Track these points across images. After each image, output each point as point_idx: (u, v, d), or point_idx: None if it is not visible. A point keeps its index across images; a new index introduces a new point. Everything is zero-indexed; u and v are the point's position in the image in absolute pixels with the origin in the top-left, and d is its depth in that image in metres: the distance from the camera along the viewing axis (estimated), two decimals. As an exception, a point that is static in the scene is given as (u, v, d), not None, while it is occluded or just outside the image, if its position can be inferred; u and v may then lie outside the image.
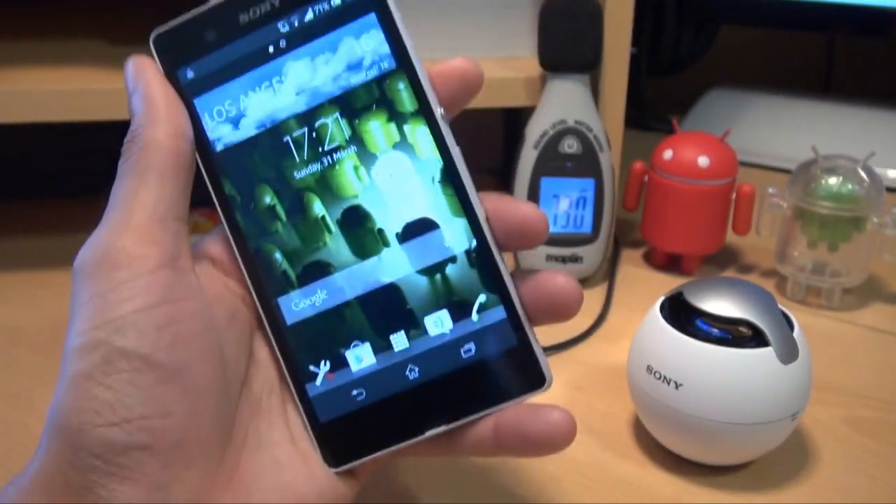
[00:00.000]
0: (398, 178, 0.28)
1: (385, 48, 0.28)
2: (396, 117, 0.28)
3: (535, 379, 0.28)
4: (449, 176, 0.28)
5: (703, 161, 0.52)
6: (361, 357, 0.29)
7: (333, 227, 0.29)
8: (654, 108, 0.81)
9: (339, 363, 0.29)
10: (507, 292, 0.28)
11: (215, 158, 0.30)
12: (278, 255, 0.29)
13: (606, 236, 0.53)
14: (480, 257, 0.28)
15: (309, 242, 0.29)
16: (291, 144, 0.29)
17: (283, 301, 0.30)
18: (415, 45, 0.28)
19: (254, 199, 0.29)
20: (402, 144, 0.28)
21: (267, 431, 0.29)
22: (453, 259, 0.28)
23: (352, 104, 0.28)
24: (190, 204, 0.29)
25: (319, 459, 0.29)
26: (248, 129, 0.29)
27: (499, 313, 0.28)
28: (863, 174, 0.50)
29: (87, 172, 0.66)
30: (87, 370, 0.25)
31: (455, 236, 0.28)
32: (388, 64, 0.28)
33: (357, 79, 0.28)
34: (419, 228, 0.28)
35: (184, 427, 0.25)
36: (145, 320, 0.25)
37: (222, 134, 0.29)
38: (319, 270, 0.29)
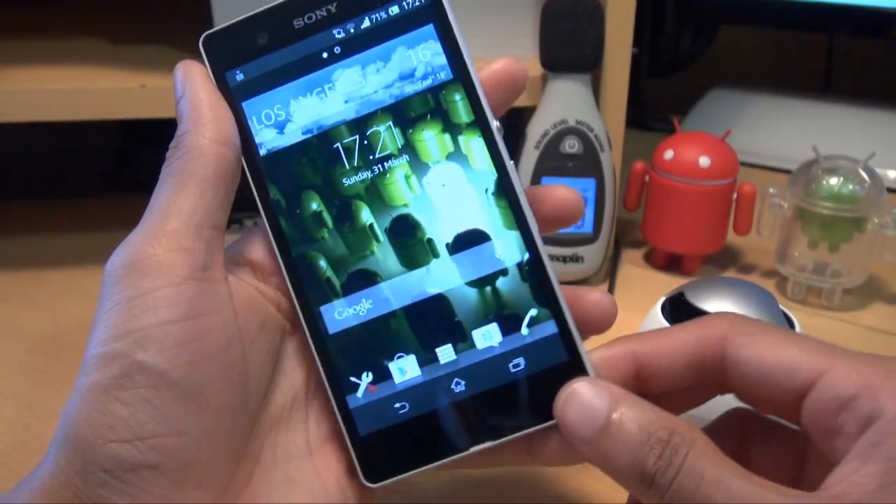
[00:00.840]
0: (451, 188, 0.28)
1: (442, 59, 0.28)
2: (451, 128, 0.28)
3: None
4: (503, 189, 0.28)
5: (703, 161, 0.52)
6: (406, 369, 0.28)
7: (382, 236, 0.29)
8: (654, 108, 0.81)
9: (383, 375, 0.29)
10: (558, 307, 0.28)
11: (261, 162, 0.29)
12: (323, 263, 0.29)
13: (607, 236, 0.53)
14: (532, 271, 0.28)
15: (355, 251, 0.29)
16: (342, 151, 0.29)
17: (325, 310, 0.29)
18: (471, 55, 0.28)
19: (299, 205, 0.29)
20: (457, 155, 0.28)
21: (283, 446, 0.29)
22: (504, 272, 0.28)
23: (406, 113, 0.28)
24: None
25: (358, 473, 0.28)
26: (296, 135, 0.29)
27: (550, 328, 0.28)
28: (864, 174, 0.50)
29: (87, 172, 0.66)
30: (105, 382, 0.24)
31: (507, 249, 0.28)
32: (444, 74, 0.28)
33: (412, 88, 0.28)
34: (470, 240, 0.28)
35: (197, 447, 0.25)
36: (167, 334, 0.25)
37: (270, 138, 0.29)
38: (365, 279, 0.29)
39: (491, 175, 0.28)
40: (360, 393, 0.29)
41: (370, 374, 0.29)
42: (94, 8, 0.68)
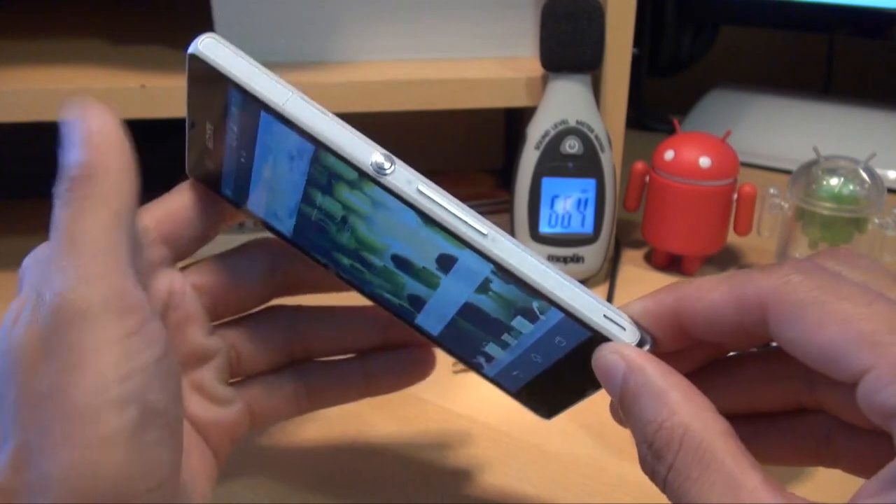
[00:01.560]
0: (398, 231, 0.28)
1: (294, 136, 0.27)
2: (353, 185, 0.27)
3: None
4: (424, 218, 0.27)
5: (704, 161, 0.52)
6: (495, 352, 0.30)
7: (397, 271, 0.29)
8: (654, 108, 0.81)
9: (487, 356, 0.31)
10: (550, 298, 0.27)
11: (295, 243, 0.31)
12: (388, 295, 0.31)
13: (607, 237, 0.53)
14: (505, 274, 0.27)
15: (395, 283, 0.30)
16: (321, 222, 0.29)
17: (419, 322, 0.31)
18: (320, 117, 0.27)
19: (340, 262, 0.31)
20: (377, 204, 0.27)
21: None
22: (488, 280, 0.28)
23: (320, 184, 0.28)
24: None
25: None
26: (288, 221, 0.30)
27: (556, 314, 0.27)
28: (864, 175, 0.50)
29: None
30: (129, 428, 0.22)
31: (474, 263, 0.27)
32: (308, 146, 0.27)
33: (304, 165, 0.28)
34: (447, 262, 0.28)
35: (176, 477, 0.24)
36: (161, 371, 0.24)
37: (282, 226, 0.31)
38: (418, 301, 0.30)
39: (408, 211, 0.27)
40: (485, 368, 0.32)
41: (481, 356, 0.31)
42: (94, 8, 0.67)
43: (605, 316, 0.27)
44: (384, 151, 0.27)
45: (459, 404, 0.43)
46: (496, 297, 0.28)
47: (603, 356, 0.26)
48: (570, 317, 0.27)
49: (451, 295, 0.29)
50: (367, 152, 0.27)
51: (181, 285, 0.31)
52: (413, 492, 0.37)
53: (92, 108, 0.26)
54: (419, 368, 0.35)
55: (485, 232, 0.27)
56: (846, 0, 0.70)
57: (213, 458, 0.31)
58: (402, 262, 0.29)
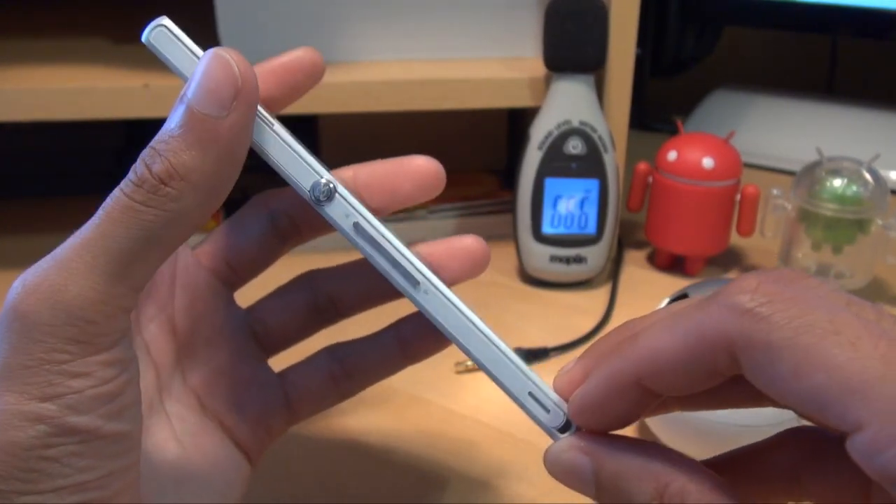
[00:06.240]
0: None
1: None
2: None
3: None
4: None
5: (707, 162, 0.52)
6: None
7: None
8: (657, 109, 0.81)
9: None
10: (477, 364, 0.26)
11: None
12: None
13: (610, 237, 0.53)
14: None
15: None
16: None
17: None
18: (267, 132, 0.26)
19: None
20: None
21: (156, 450, 0.29)
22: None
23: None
24: None
25: None
26: None
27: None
28: (867, 176, 0.50)
29: (90, 172, 0.66)
30: (27, 443, 0.22)
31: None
32: None
33: None
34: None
35: (119, 482, 0.24)
36: (99, 397, 0.23)
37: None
38: None
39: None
40: None
41: None
42: (97, 7, 0.68)
43: (529, 394, 0.25)
44: (329, 178, 0.25)
45: (462, 405, 0.43)
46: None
47: (557, 458, 0.24)
48: (496, 384, 0.25)
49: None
50: (309, 177, 0.25)
51: (187, 263, 0.31)
52: (414, 492, 0.37)
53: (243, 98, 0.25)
54: None
55: (418, 281, 0.25)
56: (849, 1, 0.70)
57: (241, 458, 0.30)
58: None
